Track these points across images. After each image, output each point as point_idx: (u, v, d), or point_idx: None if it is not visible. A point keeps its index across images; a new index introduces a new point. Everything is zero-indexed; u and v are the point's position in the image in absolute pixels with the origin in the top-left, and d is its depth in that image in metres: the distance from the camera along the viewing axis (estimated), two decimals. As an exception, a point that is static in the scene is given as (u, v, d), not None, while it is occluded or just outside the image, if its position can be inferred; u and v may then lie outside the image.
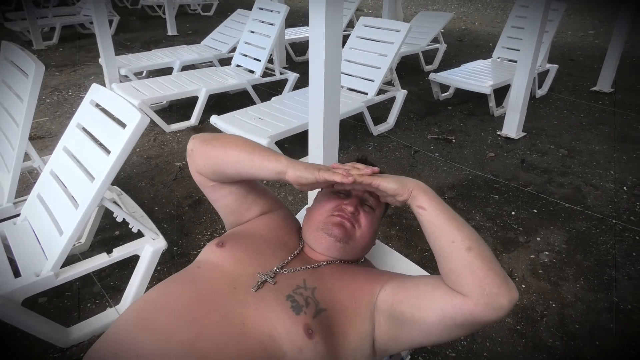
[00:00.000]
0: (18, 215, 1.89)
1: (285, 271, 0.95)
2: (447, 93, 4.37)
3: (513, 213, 2.52)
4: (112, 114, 1.62)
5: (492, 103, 3.88)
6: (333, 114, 2.19)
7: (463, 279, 0.82)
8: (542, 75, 4.50)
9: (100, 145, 1.61)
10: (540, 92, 4.45)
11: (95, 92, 1.76)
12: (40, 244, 1.68)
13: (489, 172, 2.97)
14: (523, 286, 1.95)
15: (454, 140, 3.46)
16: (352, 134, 3.50)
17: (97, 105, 1.73)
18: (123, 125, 1.53)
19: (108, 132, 1.60)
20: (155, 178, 2.83)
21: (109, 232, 2.25)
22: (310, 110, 2.22)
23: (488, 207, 2.57)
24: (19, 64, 1.96)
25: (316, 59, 2.04)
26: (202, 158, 1.01)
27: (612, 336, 1.70)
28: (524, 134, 3.54)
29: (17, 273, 1.56)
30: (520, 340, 1.67)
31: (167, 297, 0.87)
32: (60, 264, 1.55)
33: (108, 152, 1.54)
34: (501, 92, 3.96)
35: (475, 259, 0.82)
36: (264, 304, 0.85)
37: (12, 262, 1.61)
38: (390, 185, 0.90)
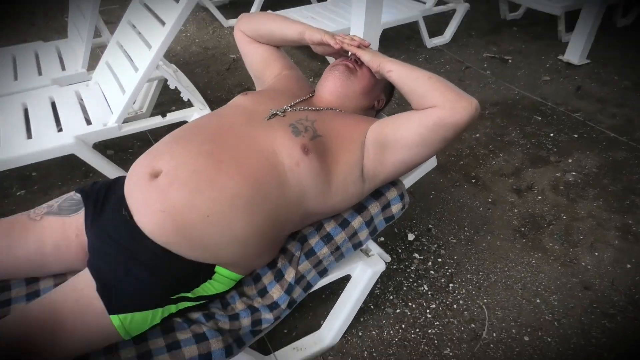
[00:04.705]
0: (89, 80, 2.17)
1: (293, 109, 1.15)
2: (516, 13, 4.11)
3: (552, 135, 2.51)
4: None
5: (561, 26, 3.64)
6: (374, 20, 2.20)
7: (428, 97, 1.02)
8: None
9: (158, 18, 1.79)
10: (624, 21, 4.08)
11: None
12: (107, 102, 1.95)
13: (538, 95, 2.91)
14: (539, 197, 2.03)
15: (510, 61, 3.35)
16: (405, 44, 3.47)
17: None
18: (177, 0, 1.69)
19: (164, 7, 1.77)
20: (210, 66, 3.03)
21: (166, 106, 2.51)
22: (352, 15, 2.25)
23: (527, 126, 2.57)
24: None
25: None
26: (246, 20, 1.34)
27: (612, 250, 1.78)
28: (587, 61, 3.35)
29: (89, 123, 1.85)
30: (520, 240, 1.79)
31: (197, 124, 1.10)
32: (123, 118, 1.82)
33: (163, 23, 1.73)
34: (576, 17, 3.69)
35: (435, 82, 1.04)
36: (270, 129, 1.06)
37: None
38: (365, 56, 1.16)
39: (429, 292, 1.54)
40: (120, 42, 2.03)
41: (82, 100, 2.02)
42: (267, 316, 1.14)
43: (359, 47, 1.18)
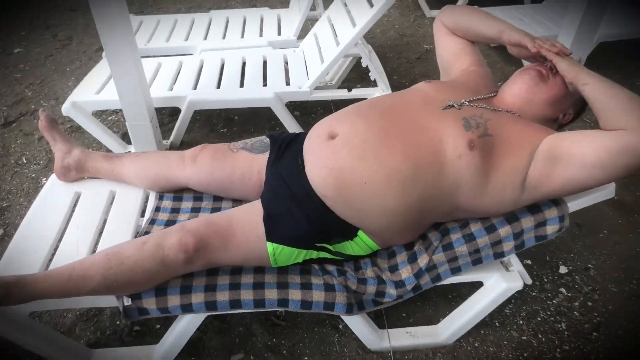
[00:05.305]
0: (297, 47, 2.47)
1: (471, 105, 1.16)
2: None
3: None
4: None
5: None
6: (589, 31, 1.96)
7: (622, 118, 0.95)
8: None
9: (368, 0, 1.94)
10: None
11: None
12: (306, 69, 2.21)
13: None
14: None
15: None
16: (622, 63, 3.03)
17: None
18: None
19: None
20: (402, 53, 3.13)
21: (352, 82, 2.70)
22: (565, 22, 2.05)
23: None
24: None
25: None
26: (449, 11, 1.38)
27: None
28: None
29: (288, 84, 2.14)
30: None
31: (379, 100, 1.21)
32: (316, 84, 2.05)
33: (372, 5, 1.87)
34: None
35: (636, 103, 0.96)
36: (443, 118, 1.10)
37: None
38: (562, 64, 1.11)
39: (566, 333, 1.42)
40: (330, 18, 2.25)
41: (287, 63, 2.33)
42: (391, 291, 1.22)
43: (557, 54, 1.13)
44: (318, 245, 1.18)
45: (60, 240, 1.27)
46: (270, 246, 1.14)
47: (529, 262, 1.64)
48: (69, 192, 1.43)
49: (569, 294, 1.54)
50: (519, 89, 1.19)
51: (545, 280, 1.58)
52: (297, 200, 1.16)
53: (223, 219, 1.17)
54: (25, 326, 1.16)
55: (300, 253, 1.17)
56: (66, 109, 1.93)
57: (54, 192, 1.43)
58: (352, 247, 1.21)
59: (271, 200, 1.19)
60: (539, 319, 1.45)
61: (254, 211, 1.18)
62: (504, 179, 1.06)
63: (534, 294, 1.53)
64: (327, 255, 1.21)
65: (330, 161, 1.10)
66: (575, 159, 0.99)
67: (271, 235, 1.14)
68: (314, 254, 1.20)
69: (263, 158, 1.33)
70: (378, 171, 1.06)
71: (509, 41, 1.21)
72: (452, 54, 1.38)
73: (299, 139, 1.33)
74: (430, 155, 1.06)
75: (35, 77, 2.84)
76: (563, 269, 1.62)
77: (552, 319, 1.46)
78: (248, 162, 1.34)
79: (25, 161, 2.12)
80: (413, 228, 1.20)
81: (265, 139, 1.38)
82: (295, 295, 1.17)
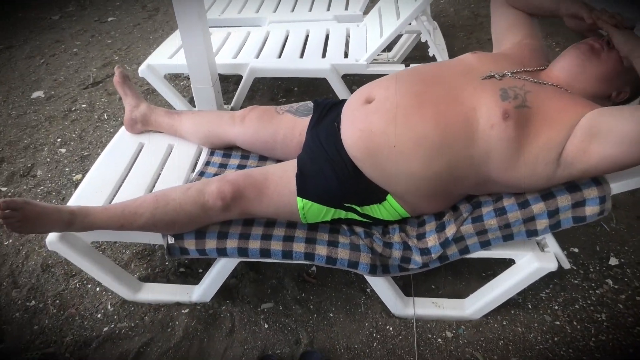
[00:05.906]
0: (361, 22, 2.48)
1: (514, 76, 1.12)
2: None
3: None
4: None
5: None
6: None
7: None
8: None
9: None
10: None
11: None
12: (366, 43, 2.22)
13: None
14: None
15: None
16: None
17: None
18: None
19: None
20: (473, 33, 3.02)
21: (415, 60, 2.66)
22: None
23: None
24: None
25: None
26: None
27: None
28: None
29: (346, 56, 2.17)
30: None
31: (420, 68, 1.22)
32: (372, 58, 2.06)
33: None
34: None
35: None
36: (480, 87, 1.09)
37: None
38: (618, 37, 1.05)
39: (605, 324, 1.34)
40: (395, -7, 2.24)
41: (349, 37, 2.35)
42: (417, 258, 1.24)
43: (616, 26, 1.06)
44: (346, 205, 1.22)
45: (122, 182, 1.43)
46: (300, 201, 1.20)
47: (575, 250, 1.56)
48: (134, 142, 1.59)
49: (616, 286, 1.45)
50: (568, 63, 1.13)
51: (592, 270, 1.50)
52: (331, 161, 1.21)
53: (260, 173, 1.25)
54: (87, 253, 1.33)
55: (328, 211, 1.23)
56: (142, 70, 2.12)
57: (122, 142, 1.60)
58: (380, 211, 1.24)
59: (307, 159, 1.25)
60: (576, 306, 1.39)
61: (289, 168, 1.25)
62: (537, 152, 1.03)
63: (575, 281, 1.46)
64: (355, 217, 1.25)
65: (363, 123, 1.14)
66: (613, 134, 0.93)
67: (302, 191, 1.20)
68: (342, 214, 1.24)
69: (305, 121, 1.39)
70: (407, 136, 1.08)
71: (566, 12, 1.14)
72: (506, 25, 1.33)
73: (340, 104, 1.37)
74: (461, 124, 1.05)
75: (122, 43, 3.12)
76: (614, 261, 1.52)
77: (591, 308, 1.39)
78: (291, 124, 1.40)
79: (106, 117, 2.37)
80: (441, 196, 1.20)
81: (309, 104, 1.44)
82: (321, 250, 1.23)
